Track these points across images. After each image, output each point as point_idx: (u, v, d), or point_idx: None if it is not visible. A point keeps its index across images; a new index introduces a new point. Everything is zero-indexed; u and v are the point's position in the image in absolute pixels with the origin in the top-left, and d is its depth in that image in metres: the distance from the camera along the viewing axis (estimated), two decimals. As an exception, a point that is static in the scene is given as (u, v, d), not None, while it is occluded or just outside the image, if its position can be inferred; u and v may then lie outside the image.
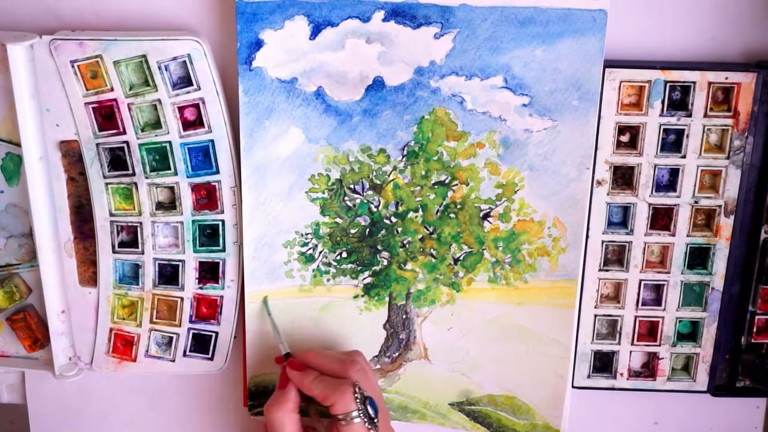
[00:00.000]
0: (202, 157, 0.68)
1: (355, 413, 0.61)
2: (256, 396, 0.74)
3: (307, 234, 0.70)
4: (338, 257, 0.70)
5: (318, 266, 0.71)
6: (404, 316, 0.72)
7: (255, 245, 0.69)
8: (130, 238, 0.70)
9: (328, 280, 0.71)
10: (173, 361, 0.73)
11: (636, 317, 0.72)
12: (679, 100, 0.67)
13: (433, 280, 0.71)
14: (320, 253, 0.70)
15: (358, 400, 0.62)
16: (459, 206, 0.69)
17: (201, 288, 0.71)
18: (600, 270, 0.71)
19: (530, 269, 0.70)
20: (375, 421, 0.62)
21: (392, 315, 0.72)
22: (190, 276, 0.71)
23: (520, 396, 0.73)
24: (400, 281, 0.71)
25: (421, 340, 0.72)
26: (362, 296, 0.71)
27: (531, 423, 0.74)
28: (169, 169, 0.67)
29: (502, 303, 0.71)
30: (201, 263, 0.71)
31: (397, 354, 0.73)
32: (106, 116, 0.67)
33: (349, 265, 0.71)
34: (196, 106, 0.66)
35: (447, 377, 0.73)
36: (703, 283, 0.71)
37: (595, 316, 0.72)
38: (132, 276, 0.72)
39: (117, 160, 0.68)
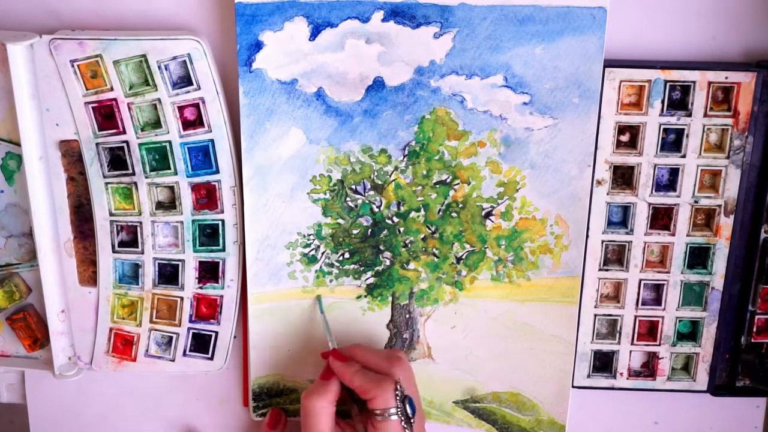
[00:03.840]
0: (202, 157, 0.68)
1: (393, 410, 0.62)
2: (259, 397, 0.74)
3: (309, 235, 0.70)
4: (341, 258, 0.70)
5: (321, 267, 0.70)
6: (407, 316, 0.72)
7: (257, 247, 0.69)
8: (129, 238, 0.70)
9: (330, 281, 0.71)
10: (173, 360, 0.73)
11: (636, 317, 0.72)
12: (679, 100, 0.67)
13: (435, 280, 0.71)
14: (323, 254, 0.70)
15: (398, 398, 0.62)
16: (461, 205, 0.69)
17: (201, 288, 0.71)
18: (600, 269, 0.71)
19: (533, 267, 0.70)
20: (411, 421, 0.62)
21: (395, 315, 0.72)
22: (189, 276, 0.70)
23: (524, 392, 0.73)
24: (402, 281, 0.71)
25: (424, 339, 0.72)
26: (365, 297, 0.71)
27: (536, 419, 0.74)
28: (169, 168, 0.67)
29: (506, 301, 0.71)
30: (201, 263, 0.70)
31: (400, 354, 0.73)
32: (106, 116, 0.66)
33: (352, 266, 0.71)
34: (196, 106, 0.66)
35: (451, 375, 0.73)
36: (703, 282, 0.71)
37: (595, 315, 0.72)
38: (132, 276, 0.71)
39: (117, 160, 0.68)
